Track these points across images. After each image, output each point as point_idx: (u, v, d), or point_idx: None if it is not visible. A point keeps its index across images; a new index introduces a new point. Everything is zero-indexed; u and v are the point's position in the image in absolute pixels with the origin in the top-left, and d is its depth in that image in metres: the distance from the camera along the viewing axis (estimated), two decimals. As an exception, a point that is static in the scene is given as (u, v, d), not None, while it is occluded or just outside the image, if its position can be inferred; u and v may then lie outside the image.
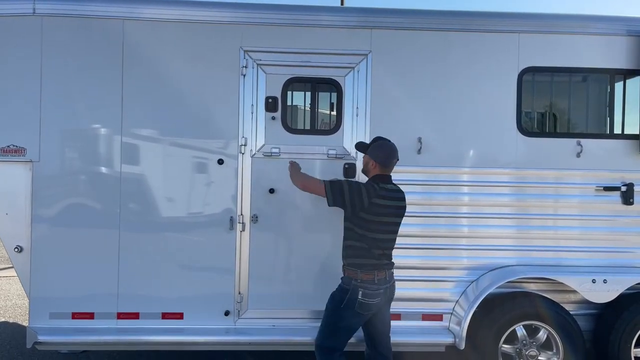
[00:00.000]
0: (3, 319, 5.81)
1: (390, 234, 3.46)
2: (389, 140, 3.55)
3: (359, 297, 3.33)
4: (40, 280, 3.88)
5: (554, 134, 4.46)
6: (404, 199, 3.51)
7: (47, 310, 3.89)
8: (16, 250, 3.87)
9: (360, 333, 3.61)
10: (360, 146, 3.62)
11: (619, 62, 4.08)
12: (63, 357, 4.67)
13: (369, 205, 3.32)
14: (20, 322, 5.67)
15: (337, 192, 3.39)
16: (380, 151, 3.48)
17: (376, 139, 3.57)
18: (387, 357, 3.58)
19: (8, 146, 3.83)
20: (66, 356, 4.67)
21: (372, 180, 3.47)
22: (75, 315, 3.90)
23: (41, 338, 3.83)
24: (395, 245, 3.81)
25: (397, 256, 3.97)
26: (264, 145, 4.02)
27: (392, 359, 3.62)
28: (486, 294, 3.89)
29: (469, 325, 3.87)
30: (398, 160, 3.54)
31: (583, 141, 4.09)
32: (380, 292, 3.39)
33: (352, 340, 3.56)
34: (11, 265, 4.03)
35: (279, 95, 4.00)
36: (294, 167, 3.74)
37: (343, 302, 3.37)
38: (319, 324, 3.56)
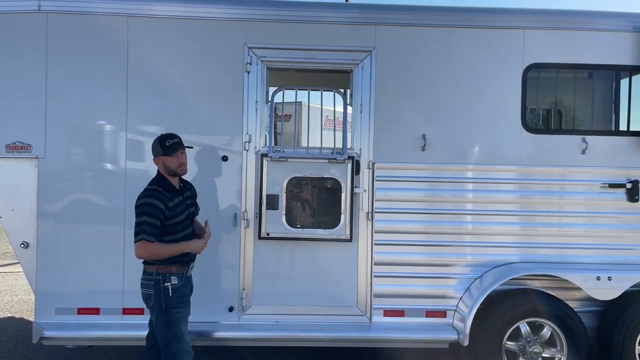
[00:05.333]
0: (10, 315, 5.85)
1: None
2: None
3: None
4: (46, 276, 3.90)
5: (559, 131, 4.44)
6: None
7: (52, 306, 3.92)
8: (22, 246, 3.90)
9: None
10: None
11: (625, 58, 4.05)
12: (69, 352, 4.70)
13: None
14: (26, 318, 5.71)
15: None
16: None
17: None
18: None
19: (14, 143, 3.85)
20: (72, 351, 4.71)
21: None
22: (81, 311, 3.93)
23: (47, 333, 3.86)
24: (399, 242, 3.81)
25: (401, 253, 3.99)
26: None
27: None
28: (490, 290, 3.89)
29: (472, 322, 3.87)
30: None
31: (588, 138, 4.06)
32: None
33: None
34: (17, 261, 4.05)
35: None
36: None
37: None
38: (323, 321, 3.55)
